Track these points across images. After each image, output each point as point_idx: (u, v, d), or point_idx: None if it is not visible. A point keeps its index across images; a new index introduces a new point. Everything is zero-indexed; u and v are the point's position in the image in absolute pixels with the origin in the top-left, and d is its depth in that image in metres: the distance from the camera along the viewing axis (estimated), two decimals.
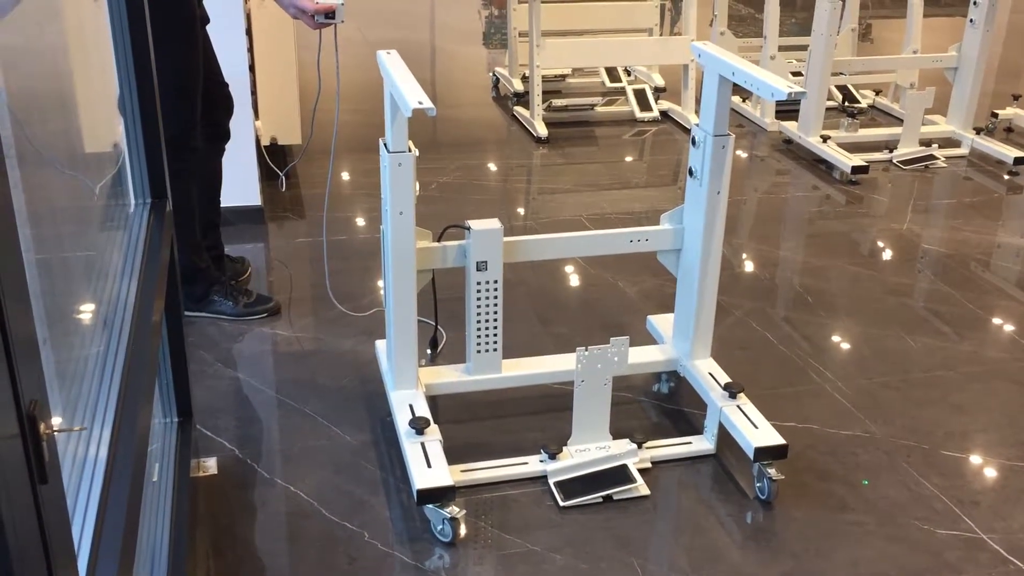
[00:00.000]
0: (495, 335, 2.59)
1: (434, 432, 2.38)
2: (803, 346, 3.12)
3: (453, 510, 2.22)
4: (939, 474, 2.54)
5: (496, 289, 2.53)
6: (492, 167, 4.67)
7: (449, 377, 2.62)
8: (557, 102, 5.27)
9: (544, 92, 5.20)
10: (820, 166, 4.73)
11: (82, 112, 2.03)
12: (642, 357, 2.73)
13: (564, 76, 5.84)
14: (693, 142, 2.53)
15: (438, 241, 2.53)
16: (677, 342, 2.76)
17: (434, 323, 2.85)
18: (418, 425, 2.36)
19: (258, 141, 4.19)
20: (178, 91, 2.81)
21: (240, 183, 3.76)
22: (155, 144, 2.14)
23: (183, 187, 2.96)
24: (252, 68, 4.14)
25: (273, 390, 2.82)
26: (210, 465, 2.49)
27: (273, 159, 4.35)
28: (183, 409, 2.37)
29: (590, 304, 3.38)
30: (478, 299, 2.53)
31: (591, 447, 2.50)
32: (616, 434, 2.52)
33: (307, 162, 4.55)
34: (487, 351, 2.60)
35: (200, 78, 2.90)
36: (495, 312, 2.56)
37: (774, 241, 3.93)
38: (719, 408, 2.52)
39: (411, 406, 2.48)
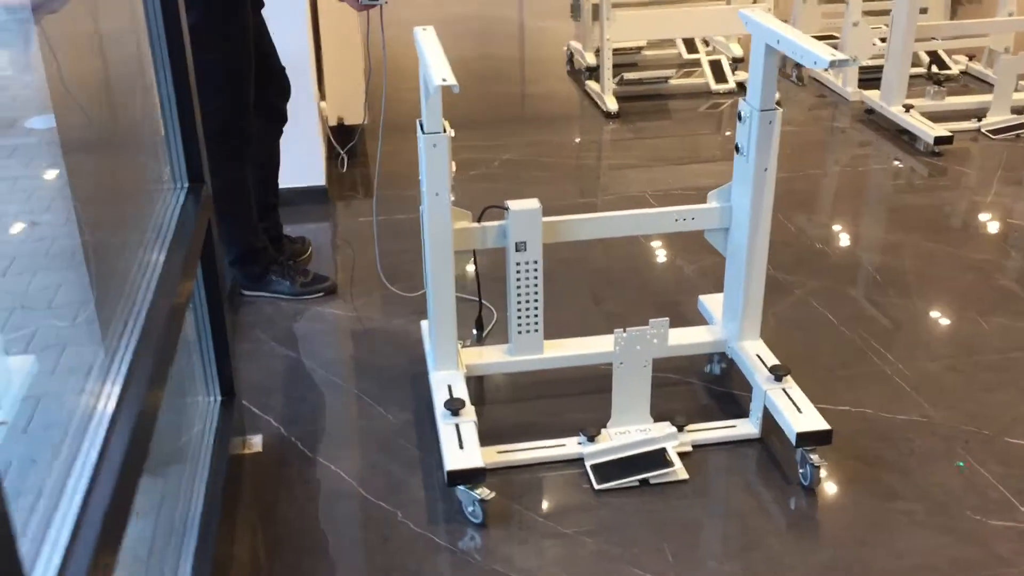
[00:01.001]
0: (536, 315, 2.56)
1: (469, 413, 2.37)
2: (866, 327, 3.01)
3: (483, 492, 2.22)
4: (1000, 462, 2.42)
5: (536, 269, 2.51)
6: (559, 143, 4.62)
7: (491, 358, 2.62)
8: (629, 75, 5.18)
9: (618, 65, 5.12)
10: (903, 137, 4.53)
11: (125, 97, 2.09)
12: (689, 338, 2.68)
13: (640, 49, 5.73)
14: (739, 116, 2.46)
15: (478, 222, 2.51)
16: (726, 323, 2.69)
17: (479, 302, 2.84)
18: (453, 406, 2.36)
19: (325, 121, 4.24)
20: (228, 74, 2.86)
21: (304, 163, 3.81)
22: (191, 128, 2.18)
23: (236, 169, 3.02)
24: (319, 49, 4.19)
25: (324, 369, 2.86)
26: (256, 443, 2.54)
27: (340, 139, 4.41)
28: (226, 388, 2.43)
29: (646, 283, 3.32)
30: (518, 280, 2.51)
31: (631, 429, 2.47)
32: (661, 416, 2.48)
33: (375, 142, 4.59)
34: (528, 332, 2.58)
35: (251, 61, 2.94)
36: (535, 292, 2.53)
37: (849, 216, 3.79)
38: (763, 391, 2.45)
39: (449, 387, 2.48)
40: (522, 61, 6.09)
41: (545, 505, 2.31)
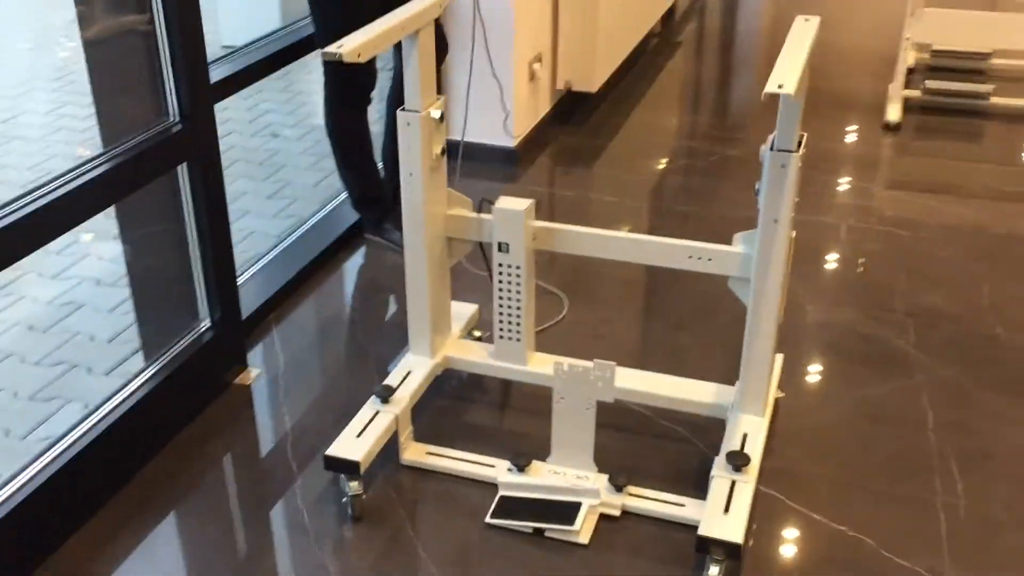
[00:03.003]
0: (518, 323, 2.38)
1: (397, 405, 2.29)
2: (962, 444, 2.40)
3: (353, 486, 2.15)
4: None
5: (519, 275, 2.32)
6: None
7: (472, 355, 2.48)
8: (932, 84, 4.43)
9: (950, 70, 4.40)
10: None
11: None
12: (688, 394, 2.32)
13: (986, 55, 4.86)
14: (761, 154, 2.05)
15: (478, 212, 2.37)
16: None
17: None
18: (384, 394, 2.29)
19: (552, 84, 4.18)
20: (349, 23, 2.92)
21: (493, 120, 3.80)
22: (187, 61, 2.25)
23: (354, 118, 3.10)
24: (555, 11, 4.11)
25: (366, 320, 2.90)
26: (252, 375, 2.66)
27: (567, 104, 4.32)
28: (227, 310, 2.54)
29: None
30: (499, 282, 2.35)
31: (566, 472, 2.23)
32: (625, 466, 2.22)
33: (608, 113, 4.44)
34: (510, 339, 2.41)
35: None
36: (518, 299, 2.35)
37: None
38: (712, 476, 2.07)
39: (408, 372, 2.41)
40: (842, 50, 5.45)
41: (426, 522, 2.17)
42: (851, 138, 4.21)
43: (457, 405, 2.55)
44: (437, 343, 2.47)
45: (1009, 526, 2.15)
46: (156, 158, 2.26)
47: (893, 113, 4.26)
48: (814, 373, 2.67)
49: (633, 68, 5.01)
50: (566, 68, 4.20)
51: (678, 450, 2.38)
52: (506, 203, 2.28)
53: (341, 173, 3.25)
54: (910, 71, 4.61)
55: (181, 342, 2.48)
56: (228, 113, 4.62)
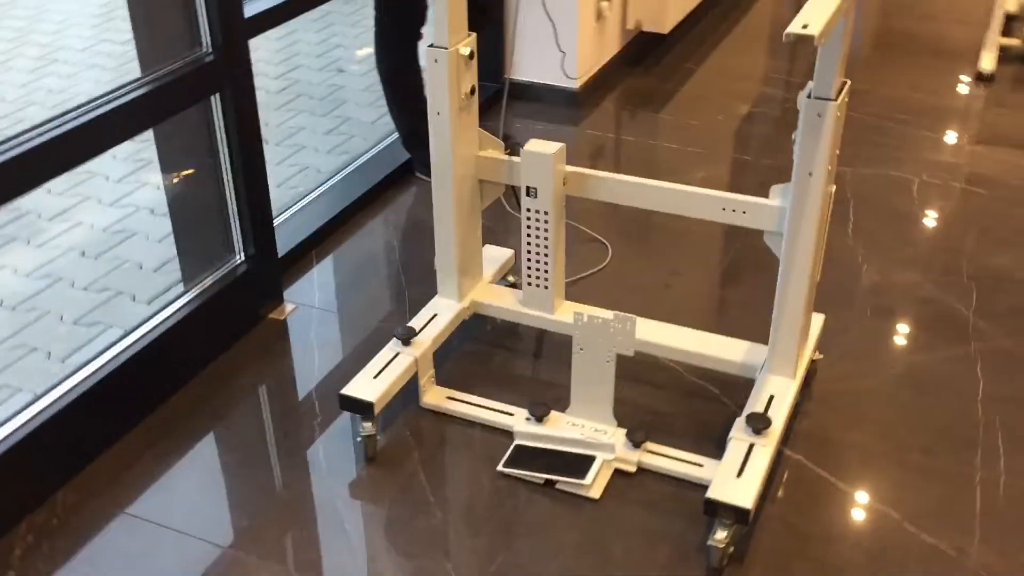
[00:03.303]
0: (546, 270, 2.32)
1: (417, 348, 2.26)
2: (1012, 417, 2.26)
3: (366, 427, 2.13)
4: None
5: (546, 220, 2.26)
6: (886, 96, 3.90)
7: (501, 301, 2.43)
8: None
9: None
10: None
11: None
12: (719, 351, 2.24)
13: None
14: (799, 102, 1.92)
15: (507, 154, 2.31)
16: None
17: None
18: (405, 335, 2.27)
19: (622, 24, 4.04)
20: None
21: (551, 60, 3.70)
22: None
23: (400, 59, 3.05)
24: None
25: (408, 261, 2.88)
26: (287, 309, 2.67)
27: (639, 46, 4.18)
28: (261, 246, 2.55)
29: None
30: (527, 227, 2.28)
31: (585, 424, 2.17)
32: (646, 422, 2.16)
33: (682, 55, 4.28)
34: (537, 286, 2.35)
35: None
36: (546, 245, 2.29)
37: None
38: (729, 438, 2.00)
39: (434, 316, 2.38)
40: None
41: (438, 467, 2.15)
42: (938, 87, 3.97)
43: (487, 351, 2.51)
44: (466, 287, 2.43)
45: None
46: (188, 86, 2.26)
47: (987, 62, 4.00)
48: (861, 336, 2.54)
49: (715, 8, 4.82)
50: (637, 7, 4.05)
51: (706, 409, 2.30)
52: (535, 146, 2.21)
53: (391, 111, 3.21)
54: (1009, 18, 4.31)
55: (216, 274, 2.50)
56: (297, 47, 4.61)
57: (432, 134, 2.24)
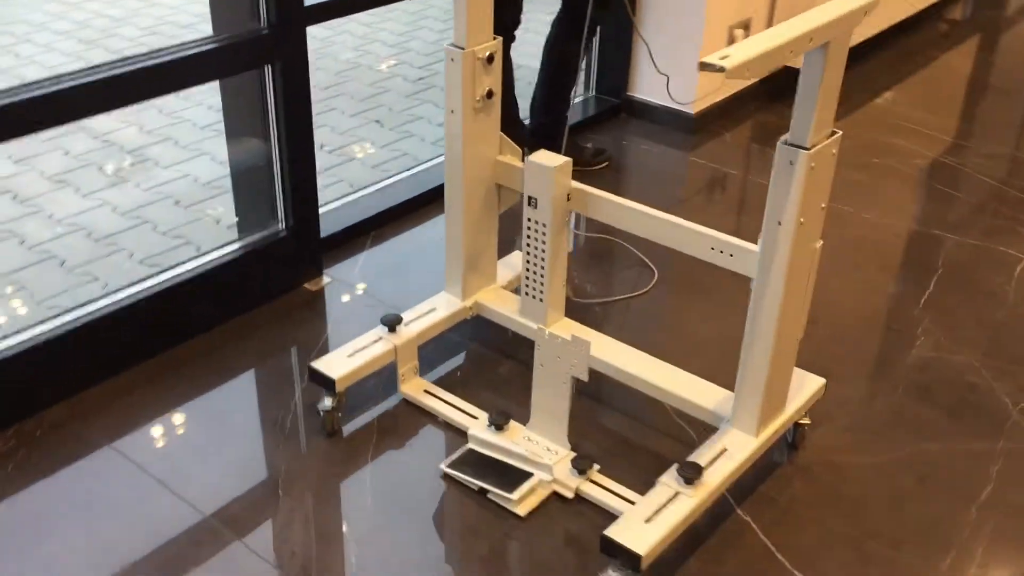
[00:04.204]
0: (541, 283, 2.30)
1: (400, 336, 2.30)
2: (1002, 525, 2.03)
3: (326, 402, 2.20)
4: None
5: (544, 232, 2.24)
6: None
7: (501, 306, 2.43)
8: None
9: None
10: None
11: None
12: (691, 393, 2.14)
13: None
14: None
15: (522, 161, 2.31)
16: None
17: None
18: (389, 321, 2.31)
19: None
20: None
21: (676, 85, 3.63)
22: None
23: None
24: None
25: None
26: (322, 282, 2.78)
27: (783, 80, 4.01)
28: (301, 220, 2.67)
29: (865, 318, 2.60)
30: (527, 237, 2.27)
31: (540, 441, 2.14)
32: (604, 452, 2.13)
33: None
34: (533, 297, 2.33)
35: None
36: (543, 257, 2.27)
37: None
38: (657, 482, 1.91)
39: (432, 309, 2.41)
40: None
41: (389, 454, 2.18)
42: None
43: (488, 354, 2.52)
44: (471, 287, 2.45)
45: None
46: (244, 54, 2.41)
47: None
48: (881, 412, 2.36)
49: (887, 51, 4.56)
50: None
51: (675, 449, 2.20)
52: (539, 157, 2.20)
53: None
54: None
55: (257, 237, 2.65)
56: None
57: (446, 130, 2.27)
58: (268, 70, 2.48)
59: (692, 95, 3.66)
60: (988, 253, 3.02)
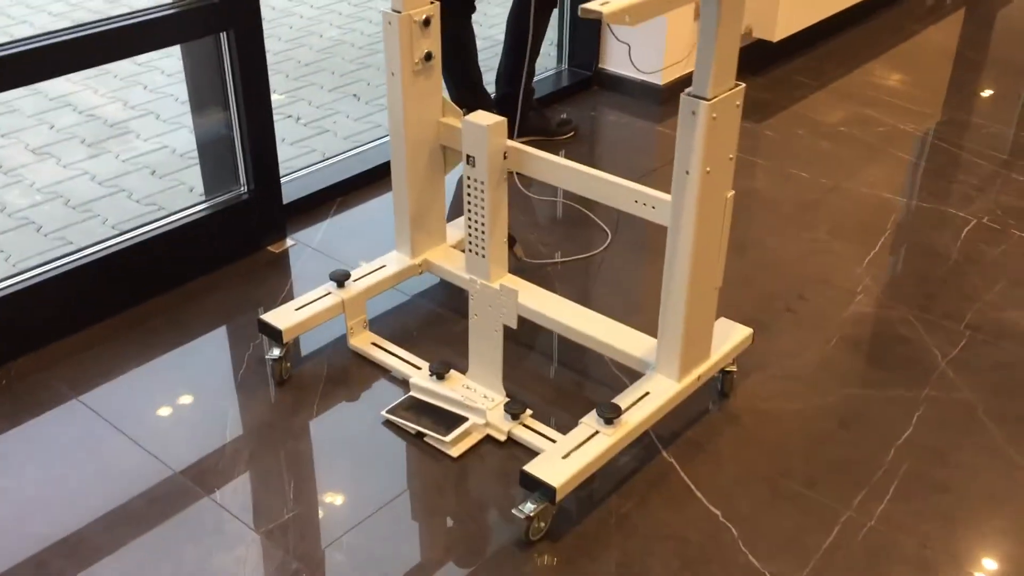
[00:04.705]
0: (482, 239, 2.40)
1: (347, 291, 2.40)
2: (915, 467, 2.11)
3: (274, 353, 2.30)
4: None
5: (482, 190, 2.33)
6: (1007, 136, 3.62)
7: (448, 264, 2.53)
8: None
9: None
10: None
11: None
12: (620, 341, 2.24)
13: None
14: None
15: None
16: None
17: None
18: (337, 276, 2.42)
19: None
20: None
21: (646, 55, 3.70)
22: None
23: (460, 25, 3.19)
24: None
25: None
26: (285, 244, 2.89)
27: (756, 52, 4.08)
28: (264, 182, 2.78)
29: (818, 274, 2.68)
30: (468, 195, 2.37)
31: (478, 389, 2.24)
32: (549, 396, 2.24)
33: (807, 70, 4.14)
34: (476, 253, 2.43)
35: None
36: (482, 214, 2.36)
37: None
38: (579, 422, 2.01)
39: (383, 266, 2.51)
40: None
41: (334, 402, 2.29)
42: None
43: (447, 314, 2.61)
44: (420, 246, 2.55)
45: (906, 566, 1.89)
46: (196, 20, 2.51)
47: None
48: (812, 362, 2.44)
49: (864, 24, 4.61)
50: (749, 10, 3.96)
51: (609, 398, 2.29)
52: (476, 117, 2.29)
53: (443, 78, 3.35)
54: None
55: (220, 199, 2.76)
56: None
57: (388, 95, 2.37)
58: (224, 37, 2.58)
59: (659, 63, 3.73)
60: (937, 215, 3.09)
